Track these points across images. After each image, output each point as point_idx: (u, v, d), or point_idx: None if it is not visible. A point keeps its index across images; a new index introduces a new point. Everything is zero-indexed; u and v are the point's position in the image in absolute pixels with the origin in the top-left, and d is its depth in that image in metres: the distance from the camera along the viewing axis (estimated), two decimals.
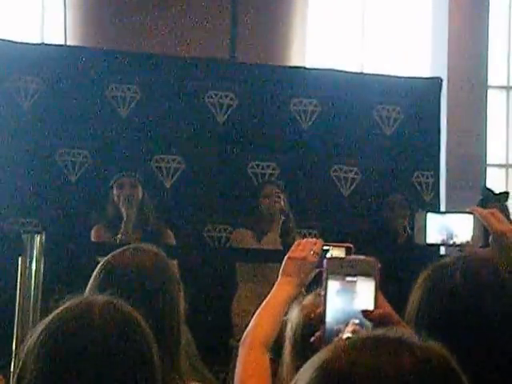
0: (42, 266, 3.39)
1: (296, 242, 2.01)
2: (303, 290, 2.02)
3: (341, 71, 6.10)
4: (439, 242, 2.33)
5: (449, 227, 2.31)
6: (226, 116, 5.76)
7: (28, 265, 3.35)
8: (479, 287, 1.39)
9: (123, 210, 4.83)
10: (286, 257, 1.97)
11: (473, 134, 6.65)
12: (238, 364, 1.81)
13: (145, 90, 5.62)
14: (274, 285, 1.97)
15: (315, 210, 5.73)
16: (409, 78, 6.38)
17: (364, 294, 1.44)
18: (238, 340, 1.89)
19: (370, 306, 1.44)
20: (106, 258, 2.04)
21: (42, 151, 5.39)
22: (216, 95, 5.75)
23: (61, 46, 5.93)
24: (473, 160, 6.61)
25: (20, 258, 3.38)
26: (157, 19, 6.05)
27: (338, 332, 1.42)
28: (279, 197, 5.11)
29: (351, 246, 1.90)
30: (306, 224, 5.63)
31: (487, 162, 6.83)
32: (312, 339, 1.45)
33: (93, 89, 5.50)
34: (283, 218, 5.06)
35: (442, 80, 6.31)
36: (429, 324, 1.40)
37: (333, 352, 1.00)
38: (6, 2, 6.33)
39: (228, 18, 6.23)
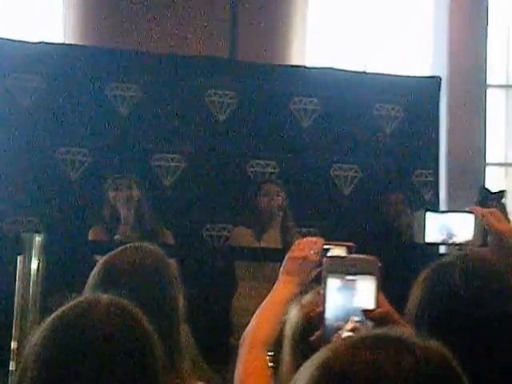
0: (41, 265, 3.39)
1: (297, 242, 2.00)
2: (303, 289, 2.02)
3: (341, 70, 6.10)
4: (439, 241, 2.33)
5: (448, 226, 2.31)
6: (226, 115, 5.75)
7: (27, 264, 3.35)
8: (479, 286, 1.39)
9: (121, 210, 4.82)
10: (286, 256, 1.96)
11: (472, 133, 6.65)
12: (238, 363, 1.81)
13: (145, 88, 5.62)
14: (273, 284, 1.97)
15: (315, 208, 5.72)
16: (408, 77, 6.38)
17: (364, 292, 1.44)
18: (238, 339, 1.89)
19: (371, 305, 1.44)
20: (105, 257, 2.04)
21: (42, 150, 5.39)
22: (216, 94, 5.75)
23: (60, 44, 5.92)
24: (472, 159, 6.61)
25: (19, 258, 3.38)
26: (157, 18, 6.04)
27: (338, 329, 1.42)
28: (278, 195, 5.11)
29: (352, 245, 1.89)
30: (306, 223, 5.63)
31: (486, 161, 6.82)
32: (311, 338, 1.45)
33: (92, 87, 5.50)
34: (282, 215, 5.06)
35: (441, 79, 6.31)
36: (429, 323, 1.39)
37: (333, 351, 1.00)
38: (6, 1, 6.33)
39: (228, 17, 6.23)
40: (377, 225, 5.60)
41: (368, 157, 5.89)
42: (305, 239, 2.00)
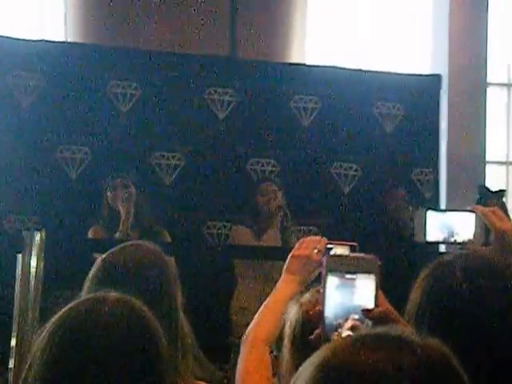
0: (41, 263, 3.39)
1: (300, 240, 2.00)
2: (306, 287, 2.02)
3: (341, 68, 6.09)
4: (440, 239, 2.32)
5: (449, 225, 2.31)
6: (226, 113, 5.75)
7: (27, 262, 3.35)
8: (480, 285, 1.38)
9: (120, 208, 4.82)
10: (289, 255, 1.96)
11: (472, 132, 6.64)
12: (239, 361, 1.81)
13: (145, 86, 5.62)
14: (273, 282, 1.97)
15: (315, 206, 5.72)
16: (409, 75, 6.38)
17: (364, 291, 1.44)
18: (238, 337, 1.89)
19: (370, 304, 1.44)
20: (104, 255, 2.04)
21: (42, 148, 5.38)
22: (216, 92, 5.74)
23: (61, 42, 5.92)
24: (472, 157, 6.60)
25: (19, 256, 3.38)
26: (157, 16, 6.04)
27: (338, 327, 1.42)
28: (276, 195, 5.10)
29: (355, 244, 1.89)
30: (306, 221, 5.63)
31: (487, 160, 6.82)
32: (311, 337, 1.45)
33: (93, 85, 5.49)
34: (281, 215, 5.06)
35: (441, 77, 6.30)
36: (429, 322, 1.39)
37: (332, 350, 1.00)
38: None
39: (228, 15, 6.22)
40: (377, 223, 5.60)
41: (368, 155, 5.89)
42: (308, 238, 2.00)
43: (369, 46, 6.80)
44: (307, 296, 1.98)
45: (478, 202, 5.08)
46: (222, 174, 5.64)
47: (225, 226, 5.58)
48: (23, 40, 5.56)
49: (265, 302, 1.90)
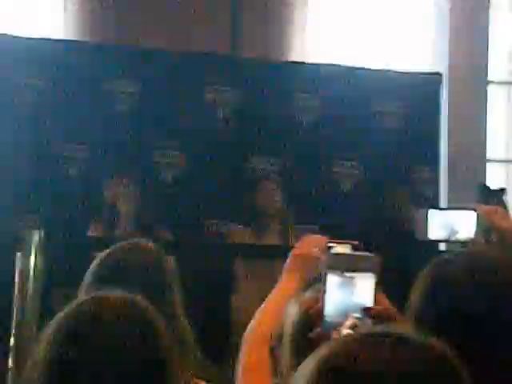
0: (40, 261, 3.38)
1: (301, 238, 2.00)
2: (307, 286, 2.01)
3: (342, 66, 6.09)
4: (441, 238, 2.33)
5: (451, 223, 2.31)
6: (226, 111, 5.75)
7: (26, 261, 3.34)
8: (483, 283, 1.38)
9: (120, 207, 4.82)
10: (290, 253, 1.96)
11: (473, 130, 6.64)
12: (240, 359, 1.80)
13: (145, 84, 5.61)
14: (274, 281, 1.96)
15: (315, 205, 5.72)
16: (409, 73, 6.38)
17: (364, 289, 1.44)
18: (238, 336, 1.88)
19: (370, 302, 1.44)
20: (102, 254, 2.04)
21: (41, 146, 5.38)
22: (216, 90, 5.74)
23: (61, 40, 5.91)
24: (473, 155, 6.60)
25: (18, 254, 3.37)
26: (157, 14, 6.03)
27: (338, 325, 1.42)
28: (275, 193, 5.09)
29: (357, 243, 1.88)
30: (306, 219, 5.62)
31: (487, 158, 6.81)
32: (311, 335, 1.44)
33: (92, 83, 5.49)
34: (280, 214, 5.05)
35: (441, 75, 6.30)
36: (430, 320, 1.38)
37: (332, 349, 1.00)
38: None
39: (229, 14, 6.22)
40: (377, 221, 5.60)
41: (368, 153, 5.89)
42: (309, 236, 2.00)
43: (369, 44, 6.79)
44: (307, 294, 1.97)
45: (479, 201, 5.08)
46: (221, 173, 5.63)
47: (225, 225, 5.57)
48: (22, 38, 5.56)
49: (265, 301, 1.90)
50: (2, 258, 3.74)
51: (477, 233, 2.25)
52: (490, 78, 6.88)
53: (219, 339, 4.72)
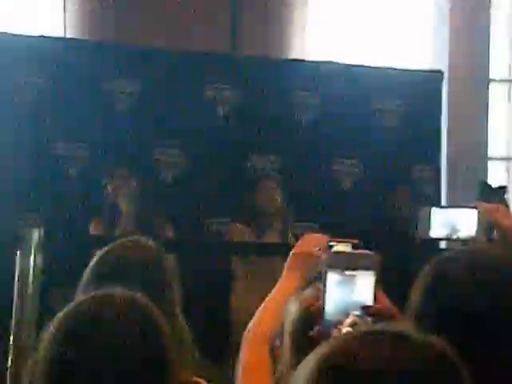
0: (40, 260, 3.38)
1: (302, 237, 1.99)
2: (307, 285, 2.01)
3: (341, 64, 6.08)
4: (443, 236, 2.32)
5: (453, 222, 2.31)
6: (226, 109, 5.74)
7: (26, 259, 3.33)
8: (485, 282, 1.37)
9: (121, 204, 4.82)
10: (291, 252, 1.95)
11: (474, 128, 6.64)
12: (240, 358, 1.80)
13: (145, 83, 5.61)
14: (273, 279, 1.96)
15: (316, 203, 5.71)
16: (410, 70, 6.37)
17: (364, 287, 1.44)
18: (238, 335, 1.88)
19: (370, 300, 1.44)
20: (102, 250, 2.03)
21: (41, 144, 5.38)
22: (216, 88, 5.73)
23: (60, 38, 5.91)
24: (474, 153, 6.60)
25: (18, 253, 3.37)
26: (157, 12, 6.03)
27: (338, 323, 1.42)
28: (275, 192, 5.09)
29: (358, 241, 1.88)
30: (307, 218, 5.62)
31: (488, 156, 6.81)
32: (311, 333, 1.44)
33: (92, 82, 5.48)
34: (281, 214, 5.04)
35: (443, 73, 6.29)
36: (431, 318, 1.38)
37: (332, 347, 1.00)
38: None
39: (228, 13, 6.21)
40: (377, 219, 5.59)
41: (369, 151, 5.88)
42: (310, 235, 1.99)
43: (370, 42, 6.79)
44: (307, 292, 1.97)
45: (480, 199, 5.07)
46: (221, 172, 5.63)
47: (225, 223, 5.56)
48: (23, 36, 5.55)
49: (265, 300, 1.90)
50: (1, 257, 3.73)
51: (478, 231, 2.25)
52: (491, 75, 6.87)
53: (219, 338, 4.72)
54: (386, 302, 1.49)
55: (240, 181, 5.59)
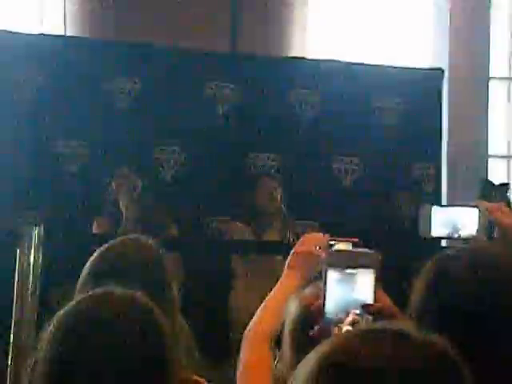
0: (40, 258, 3.38)
1: (302, 237, 1.99)
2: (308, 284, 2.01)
3: (342, 62, 6.07)
4: (444, 235, 2.32)
5: (454, 220, 2.31)
6: (226, 107, 5.73)
7: (26, 257, 3.33)
8: (487, 280, 1.37)
9: (124, 201, 4.82)
10: (291, 251, 1.95)
11: (474, 126, 6.64)
12: (240, 357, 1.80)
13: (145, 81, 5.60)
14: (273, 278, 1.96)
15: (316, 201, 5.70)
16: (410, 68, 6.37)
17: (364, 286, 1.44)
18: (238, 334, 1.88)
19: (370, 299, 1.44)
20: (102, 247, 2.03)
21: (41, 142, 5.37)
22: (216, 86, 5.73)
23: (60, 36, 5.90)
24: (474, 151, 6.59)
25: (18, 251, 3.36)
26: (157, 10, 6.03)
27: (338, 322, 1.42)
28: (275, 190, 5.08)
29: (358, 240, 1.88)
30: (307, 216, 5.61)
31: (489, 153, 6.81)
32: (311, 332, 1.43)
33: (92, 80, 5.48)
34: (281, 212, 5.04)
35: (443, 71, 6.29)
36: (432, 316, 1.38)
37: (332, 345, 0.99)
38: None
39: (229, 9, 6.21)
40: (378, 217, 5.59)
41: (369, 149, 5.87)
42: (310, 234, 1.99)
43: (370, 40, 6.78)
44: (307, 290, 1.97)
45: (481, 197, 5.07)
46: (221, 170, 5.62)
47: (225, 221, 5.55)
48: (23, 34, 5.55)
49: (266, 299, 1.90)
50: (1, 255, 3.73)
51: (479, 230, 2.24)
52: (491, 73, 6.87)
53: (219, 337, 4.72)
54: (386, 300, 1.48)
55: (240, 179, 5.58)
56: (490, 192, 5.36)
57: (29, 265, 3.32)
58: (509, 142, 7.07)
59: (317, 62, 6.07)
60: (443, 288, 1.39)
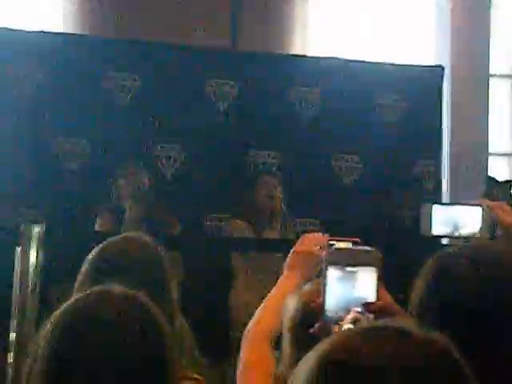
0: (40, 256, 3.38)
1: (302, 236, 1.99)
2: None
3: (342, 59, 6.07)
4: (445, 233, 2.32)
5: (455, 219, 2.30)
6: (226, 105, 5.73)
7: (26, 255, 3.33)
8: (489, 277, 1.36)
9: (127, 203, 4.82)
10: (291, 250, 1.95)
11: (475, 123, 6.63)
12: (240, 356, 1.80)
13: (145, 78, 5.60)
14: (273, 276, 1.96)
15: (316, 199, 5.70)
16: (411, 66, 6.36)
17: (365, 284, 1.43)
18: (238, 333, 1.87)
19: (371, 297, 1.43)
20: (102, 244, 2.03)
21: (41, 140, 5.37)
22: (217, 84, 5.72)
23: (60, 33, 5.89)
24: (475, 149, 6.59)
25: (19, 249, 3.36)
26: (157, 7, 6.02)
27: (339, 320, 1.41)
28: (276, 188, 5.08)
29: (358, 240, 1.87)
30: (307, 214, 5.61)
31: (489, 151, 6.81)
32: (312, 330, 1.43)
33: (92, 77, 5.47)
34: (282, 211, 5.04)
35: (443, 68, 6.28)
36: (433, 314, 1.37)
37: (333, 343, 0.99)
38: None
39: (229, 7, 6.20)
40: (378, 216, 5.58)
41: (370, 147, 5.87)
42: (310, 234, 1.99)
43: (371, 37, 6.77)
44: (306, 287, 1.97)
45: (485, 193, 5.06)
46: (221, 167, 5.62)
47: (226, 219, 5.55)
48: (22, 31, 5.55)
49: (266, 298, 1.90)
50: (1, 253, 3.73)
51: (482, 228, 2.24)
52: (491, 71, 6.87)
53: (219, 336, 4.72)
54: (388, 298, 1.48)
55: (240, 177, 5.58)
56: (494, 189, 5.35)
57: (29, 262, 3.32)
58: (510, 139, 7.07)
59: (317, 60, 6.06)
60: (445, 285, 1.39)
